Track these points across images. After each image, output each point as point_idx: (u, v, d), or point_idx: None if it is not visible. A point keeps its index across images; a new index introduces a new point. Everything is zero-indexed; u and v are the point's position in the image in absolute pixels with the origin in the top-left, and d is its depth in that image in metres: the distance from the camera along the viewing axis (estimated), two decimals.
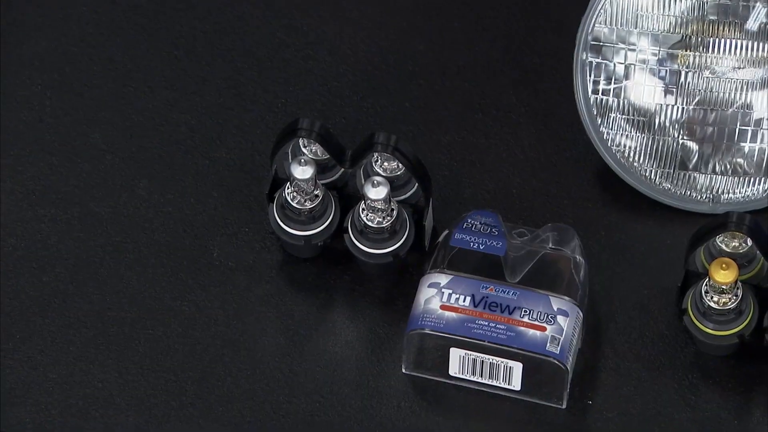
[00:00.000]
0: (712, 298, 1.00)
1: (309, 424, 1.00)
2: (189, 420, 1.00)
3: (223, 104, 1.12)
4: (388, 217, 1.03)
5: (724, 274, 0.98)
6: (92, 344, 1.02)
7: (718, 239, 1.01)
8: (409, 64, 1.13)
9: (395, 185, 1.04)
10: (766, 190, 1.06)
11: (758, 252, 1.00)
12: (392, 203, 1.03)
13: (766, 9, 1.02)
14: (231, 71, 1.13)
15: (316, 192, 1.03)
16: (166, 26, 1.14)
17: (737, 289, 0.99)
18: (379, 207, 1.02)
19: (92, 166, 1.09)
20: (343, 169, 1.04)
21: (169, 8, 1.15)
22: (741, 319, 1.00)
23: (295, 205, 1.03)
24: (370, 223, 1.03)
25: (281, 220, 1.03)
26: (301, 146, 1.04)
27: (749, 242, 1.00)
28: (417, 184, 1.03)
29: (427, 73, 1.13)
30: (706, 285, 1.00)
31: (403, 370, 1.01)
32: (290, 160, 1.03)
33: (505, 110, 1.12)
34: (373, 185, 1.01)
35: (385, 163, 1.04)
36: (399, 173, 1.04)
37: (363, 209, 1.03)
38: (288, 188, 1.03)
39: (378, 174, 1.03)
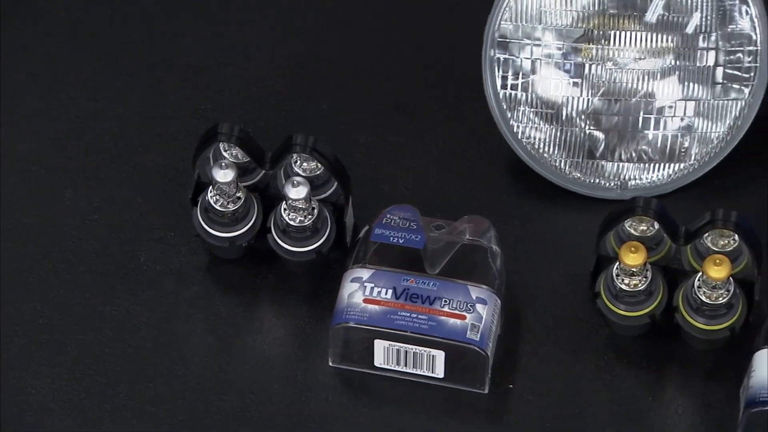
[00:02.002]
0: (623, 280, 1.00)
1: (240, 420, 0.99)
2: (123, 421, 0.99)
3: (145, 113, 1.11)
4: (310, 216, 1.02)
5: (633, 257, 0.99)
6: (24, 352, 1.01)
7: (627, 224, 1.01)
8: (325, 67, 1.13)
9: (315, 184, 1.03)
10: (670, 175, 1.07)
11: (665, 234, 1.00)
12: (313, 202, 1.02)
13: (663, 1, 1.03)
14: (152, 80, 1.12)
15: (238, 194, 1.02)
16: (87, 38, 1.13)
17: (646, 271, 1.00)
18: (300, 206, 1.02)
19: (20, 179, 1.08)
20: (264, 171, 1.04)
21: (89, 20, 1.14)
22: (651, 299, 1.00)
23: (218, 207, 1.02)
24: (292, 222, 1.02)
25: (205, 223, 1.03)
26: (222, 150, 1.04)
27: (656, 226, 1.00)
28: (336, 183, 1.03)
29: (342, 76, 1.13)
30: (616, 268, 1.00)
31: (330, 364, 1.01)
32: (212, 165, 1.02)
33: (419, 108, 1.12)
34: (293, 185, 1.01)
35: (305, 164, 1.04)
36: (318, 173, 1.04)
37: (285, 209, 1.02)
38: (210, 192, 1.02)
39: (298, 174, 1.03)
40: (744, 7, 1.02)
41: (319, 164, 1.03)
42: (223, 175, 1.01)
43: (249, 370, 1.01)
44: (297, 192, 1.01)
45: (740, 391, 0.98)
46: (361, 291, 1.00)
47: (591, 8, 1.03)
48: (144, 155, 1.09)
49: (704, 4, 1.02)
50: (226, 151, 1.04)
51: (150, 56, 1.13)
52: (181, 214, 1.05)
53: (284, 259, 1.03)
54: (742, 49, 1.03)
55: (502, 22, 1.04)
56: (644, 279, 1.00)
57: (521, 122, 1.06)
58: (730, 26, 1.03)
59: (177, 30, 1.14)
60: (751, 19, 1.02)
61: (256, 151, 1.02)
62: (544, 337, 1.02)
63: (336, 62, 1.13)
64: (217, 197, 1.02)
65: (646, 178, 1.07)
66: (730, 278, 0.98)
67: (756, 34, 1.02)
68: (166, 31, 1.14)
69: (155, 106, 1.11)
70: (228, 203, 1.02)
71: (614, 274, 1.00)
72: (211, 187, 1.02)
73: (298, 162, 1.04)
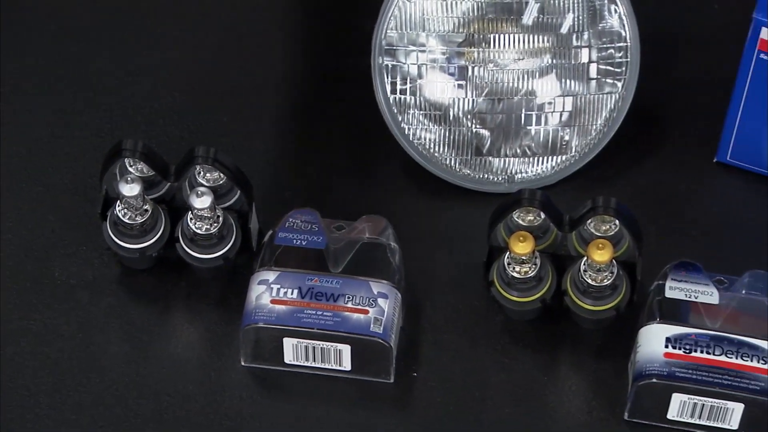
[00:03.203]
0: (514, 268, 1.03)
1: (159, 422, 1.01)
2: (45, 430, 1.00)
3: (53, 134, 1.12)
4: (215, 224, 1.04)
5: (522, 246, 1.02)
6: None
7: (515, 215, 1.04)
8: (223, 82, 1.15)
9: (219, 194, 1.05)
10: (554, 167, 1.10)
11: (551, 223, 1.03)
12: (217, 211, 1.04)
13: (538, 4, 1.06)
14: (58, 102, 1.14)
15: (145, 207, 1.04)
16: None
17: (535, 258, 1.03)
18: (206, 215, 1.04)
19: None
20: (169, 184, 1.06)
21: None
22: (542, 285, 1.03)
23: (126, 220, 1.04)
24: (198, 231, 1.04)
25: (115, 236, 1.04)
26: (128, 166, 1.06)
27: (542, 215, 1.04)
28: (239, 191, 1.05)
29: (240, 89, 1.15)
30: (507, 257, 1.03)
31: (242, 363, 1.03)
32: (118, 180, 1.04)
33: (316, 116, 1.14)
34: (198, 195, 1.03)
35: (208, 174, 1.06)
36: (221, 182, 1.06)
37: (191, 218, 1.04)
38: (119, 206, 1.04)
39: (202, 185, 1.05)
40: (612, 6, 1.06)
41: (221, 174, 1.05)
42: (129, 189, 1.03)
43: (165, 373, 1.03)
44: (201, 202, 1.03)
45: (628, 366, 1.02)
46: (268, 292, 1.02)
47: (471, 14, 1.07)
48: (53, 175, 1.10)
49: (576, 5, 1.06)
50: (131, 166, 1.05)
51: (54, 78, 1.14)
52: (92, 229, 1.07)
53: (193, 266, 1.05)
54: (613, 45, 1.07)
55: (388, 31, 1.07)
56: (534, 266, 1.03)
57: (412, 125, 1.09)
58: (601, 25, 1.06)
59: (80, 53, 1.16)
60: (620, 17, 1.06)
61: (160, 164, 1.04)
62: (443, 326, 1.05)
63: (233, 77, 1.15)
64: (125, 211, 1.04)
65: (532, 171, 1.10)
66: (613, 261, 1.02)
67: (625, 31, 1.06)
68: (70, 54, 1.16)
69: (61, 127, 1.13)
70: (136, 216, 1.04)
71: (506, 263, 1.03)
72: (118, 201, 1.04)
73: (201, 173, 1.06)
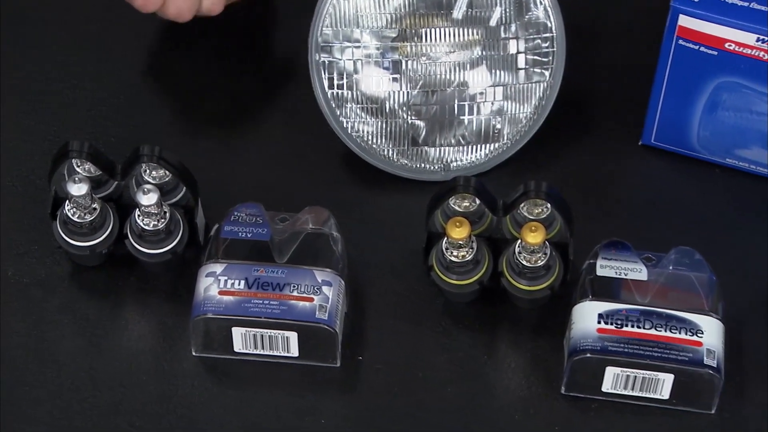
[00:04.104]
0: (452, 253, 1.05)
1: (114, 413, 1.03)
2: (4, 426, 1.01)
3: (1, 138, 1.14)
4: (162, 220, 1.06)
5: (458, 231, 1.04)
6: None
7: (451, 201, 1.06)
8: (165, 81, 1.17)
9: (165, 190, 1.07)
10: (487, 155, 1.13)
11: (486, 208, 1.06)
12: (164, 207, 1.06)
13: (467, 0, 1.09)
14: (4, 107, 1.15)
15: (93, 205, 1.06)
16: None
17: (472, 242, 1.05)
18: (153, 212, 1.05)
19: None
20: (116, 182, 1.07)
21: None
22: (479, 268, 1.06)
23: (75, 219, 1.05)
24: (146, 227, 1.06)
25: (65, 235, 1.06)
26: (75, 166, 1.07)
27: (477, 201, 1.06)
28: (185, 188, 1.07)
29: (182, 87, 1.16)
30: (445, 242, 1.05)
31: (194, 353, 1.05)
32: (66, 180, 1.05)
33: (257, 112, 1.16)
34: (144, 193, 1.05)
35: (153, 172, 1.07)
36: (167, 179, 1.07)
37: (139, 215, 1.06)
38: (68, 205, 1.06)
39: (148, 182, 1.07)
40: None
41: (166, 171, 1.06)
42: (77, 189, 1.04)
43: (119, 366, 1.04)
44: (148, 199, 1.05)
45: (564, 342, 1.04)
46: (216, 284, 1.04)
47: (403, 10, 1.09)
48: (3, 177, 1.11)
49: None
50: (78, 166, 1.07)
51: (2, 83, 1.15)
52: (43, 229, 1.08)
53: (143, 261, 1.07)
54: (539, 36, 1.09)
55: (323, 29, 1.09)
56: (471, 250, 1.05)
57: (349, 118, 1.11)
58: (527, 16, 1.09)
59: (24, 57, 1.17)
60: (545, 9, 1.09)
61: (107, 164, 1.06)
62: (386, 311, 1.07)
63: (175, 76, 1.17)
64: (74, 210, 1.06)
65: (466, 159, 1.13)
66: (546, 242, 1.04)
67: (550, 22, 1.09)
68: (15, 59, 1.17)
69: (10, 131, 1.14)
70: (85, 214, 1.06)
71: (444, 248, 1.05)
72: (67, 201, 1.06)
73: (147, 171, 1.07)
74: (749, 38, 1.03)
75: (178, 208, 1.07)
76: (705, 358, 1.00)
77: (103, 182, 1.07)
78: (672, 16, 1.05)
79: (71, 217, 1.06)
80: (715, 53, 1.05)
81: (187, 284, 1.06)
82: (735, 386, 1.02)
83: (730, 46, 1.04)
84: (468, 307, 1.07)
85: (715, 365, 1.00)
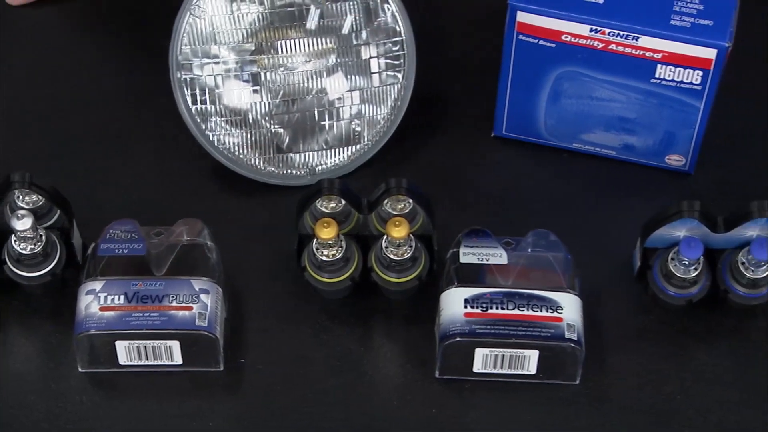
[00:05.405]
0: (322, 252, 1.08)
1: None
2: None
3: None
4: (39, 243, 1.07)
5: (326, 231, 1.06)
6: None
7: (318, 203, 1.09)
8: (32, 106, 1.17)
9: (40, 214, 1.08)
10: (350, 157, 1.15)
11: (351, 208, 1.08)
12: (39, 230, 1.07)
13: (319, 11, 1.11)
14: None
15: None
16: None
17: (341, 241, 1.08)
18: (29, 236, 1.06)
19: None
20: None
21: None
22: (349, 265, 1.08)
23: None
24: (23, 252, 1.07)
25: None
26: None
27: (343, 201, 1.09)
28: (59, 210, 1.08)
29: (50, 112, 1.17)
30: (316, 243, 1.08)
31: (80, 369, 1.06)
32: None
33: (125, 131, 1.17)
34: (18, 218, 1.05)
35: (26, 197, 1.08)
36: (41, 203, 1.08)
37: (15, 240, 1.07)
38: None
39: (22, 208, 1.07)
40: (385, 5, 1.11)
41: (39, 196, 1.07)
42: None
43: (7, 388, 1.05)
44: (23, 224, 1.05)
45: (435, 329, 1.07)
46: (96, 301, 1.05)
47: (257, 24, 1.11)
48: None
49: (353, 7, 1.11)
50: None
51: None
52: None
53: (23, 284, 1.08)
54: (390, 40, 1.12)
55: (182, 47, 1.10)
56: (340, 248, 1.08)
57: (215, 131, 1.13)
58: (377, 23, 1.12)
59: None
60: (393, 14, 1.12)
61: None
62: (264, 313, 1.09)
63: (41, 100, 1.18)
64: None
65: (330, 163, 1.15)
66: (411, 235, 1.07)
67: (399, 26, 1.12)
68: None
69: None
70: None
71: (315, 249, 1.08)
72: None
73: (20, 197, 1.08)
74: (583, 29, 1.07)
75: (54, 230, 1.08)
76: (566, 333, 1.03)
77: None
78: (510, 12, 1.08)
79: None
80: (554, 45, 1.09)
81: (69, 304, 1.07)
82: (596, 357, 1.06)
83: (566, 38, 1.08)
84: (342, 303, 1.09)
85: (575, 338, 1.03)
